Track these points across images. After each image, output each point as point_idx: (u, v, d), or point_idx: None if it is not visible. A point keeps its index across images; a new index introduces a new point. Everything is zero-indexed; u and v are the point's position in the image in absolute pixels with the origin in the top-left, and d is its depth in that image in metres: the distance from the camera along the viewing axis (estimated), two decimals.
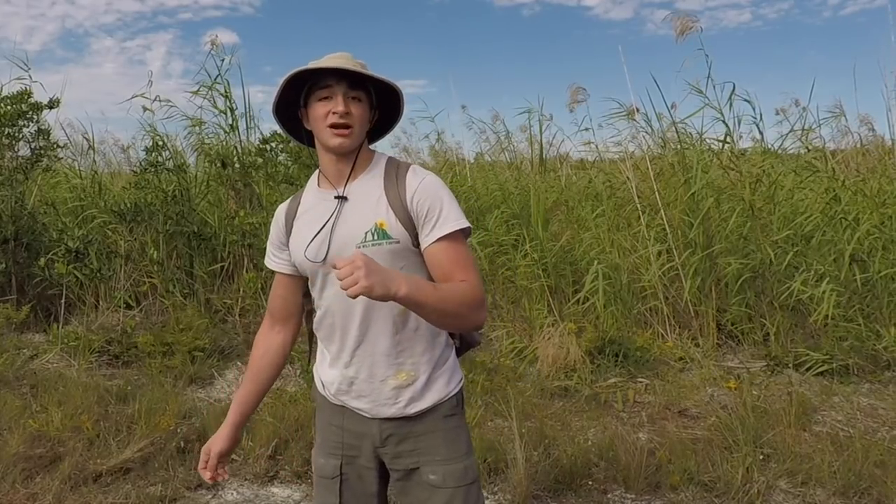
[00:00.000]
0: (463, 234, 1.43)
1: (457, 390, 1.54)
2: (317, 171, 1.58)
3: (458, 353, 1.64)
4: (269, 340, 1.64)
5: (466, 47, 19.24)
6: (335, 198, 1.48)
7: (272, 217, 1.63)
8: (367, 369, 1.48)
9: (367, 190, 1.46)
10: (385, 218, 1.42)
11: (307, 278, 1.55)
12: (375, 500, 1.57)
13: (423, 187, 1.43)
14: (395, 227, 1.42)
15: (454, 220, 1.41)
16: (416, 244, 1.43)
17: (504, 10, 19.17)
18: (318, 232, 1.46)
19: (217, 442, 1.61)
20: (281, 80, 1.44)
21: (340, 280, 1.20)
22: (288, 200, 1.62)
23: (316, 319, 1.57)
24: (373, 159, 1.52)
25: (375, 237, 1.42)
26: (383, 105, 1.53)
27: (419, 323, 1.45)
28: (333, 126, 1.42)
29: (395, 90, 1.47)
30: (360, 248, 1.40)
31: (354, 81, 1.43)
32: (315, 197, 1.54)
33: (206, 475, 1.60)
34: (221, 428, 1.63)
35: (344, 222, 1.46)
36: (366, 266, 1.21)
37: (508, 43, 19.55)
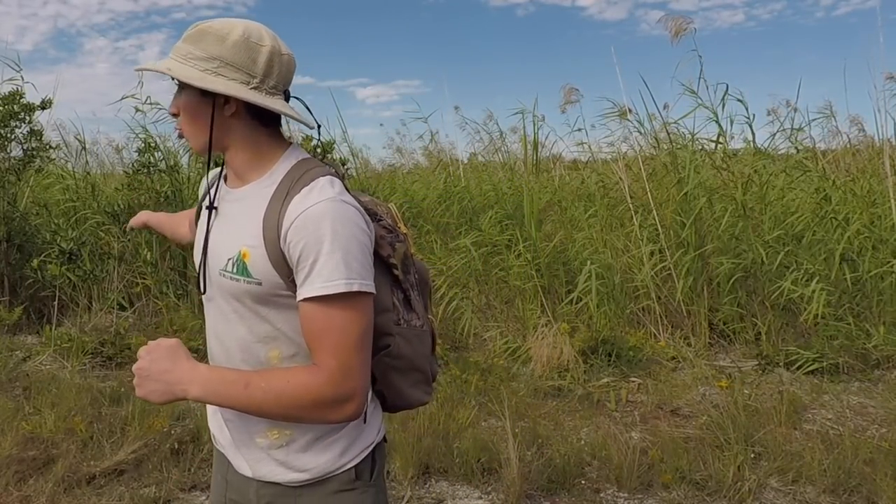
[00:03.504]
0: (343, 298, 1.00)
1: (355, 462, 1.14)
2: None
3: (389, 409, 1.25)
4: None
5: (460, 47, 19.31)
6: (206, 208, 1.17)
7: None
8: (237, 416, 1.15)
9: (251, 202, 1.09)
10: (251, 248, 1.06)
11: None
12: None
13: (303, 222, 1.00)
14: (261, 265, 1.05)
15: (325, 278, 0.99)
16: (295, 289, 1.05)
17: (498, 11, 19.22)
18: (202, 256, 1.17)
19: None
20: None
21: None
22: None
23: None
24: (277, 159, 1.12)
25: (235, 270, 1.08)
26: None
27: None
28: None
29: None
30: (222, 275, 1.10)
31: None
32: (222, 187, 1.20)
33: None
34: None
35: (216, 236, 1.14)
36: (138, 373, 1.05)
37: (502, 43, 19.63)
